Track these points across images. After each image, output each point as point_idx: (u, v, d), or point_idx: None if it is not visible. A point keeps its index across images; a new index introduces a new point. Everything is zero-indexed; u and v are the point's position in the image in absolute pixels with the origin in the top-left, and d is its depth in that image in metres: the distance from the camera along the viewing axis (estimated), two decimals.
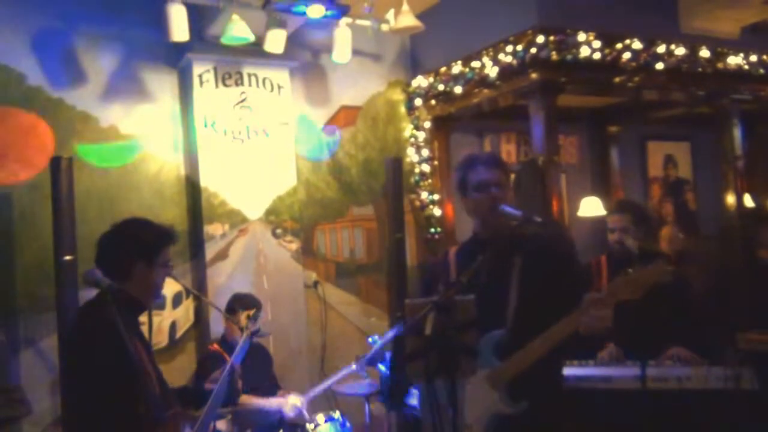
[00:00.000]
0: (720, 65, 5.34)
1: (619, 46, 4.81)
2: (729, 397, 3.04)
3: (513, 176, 3.32)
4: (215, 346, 4.15)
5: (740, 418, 3.01)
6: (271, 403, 3.95)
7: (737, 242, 5.32)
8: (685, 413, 3.10)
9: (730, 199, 5.68)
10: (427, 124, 5.71)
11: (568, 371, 3.11)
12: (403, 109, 5.81)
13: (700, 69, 5.23)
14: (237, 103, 4.87)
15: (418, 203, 5.74)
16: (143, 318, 2.59)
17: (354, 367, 3.98)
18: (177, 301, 4.78)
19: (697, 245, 6.09)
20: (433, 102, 5.61)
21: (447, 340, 2.02)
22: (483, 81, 4.99)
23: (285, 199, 5.03)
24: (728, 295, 3.96)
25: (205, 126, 4.75)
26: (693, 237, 6.42)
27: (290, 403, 3.94)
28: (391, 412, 3.96)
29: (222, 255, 4.77)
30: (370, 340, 4.20)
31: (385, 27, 4.91)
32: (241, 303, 4.09)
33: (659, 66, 5.00)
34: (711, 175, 6.57)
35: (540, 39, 4.52)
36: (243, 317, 3.86)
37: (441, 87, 5.40)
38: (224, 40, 4.45)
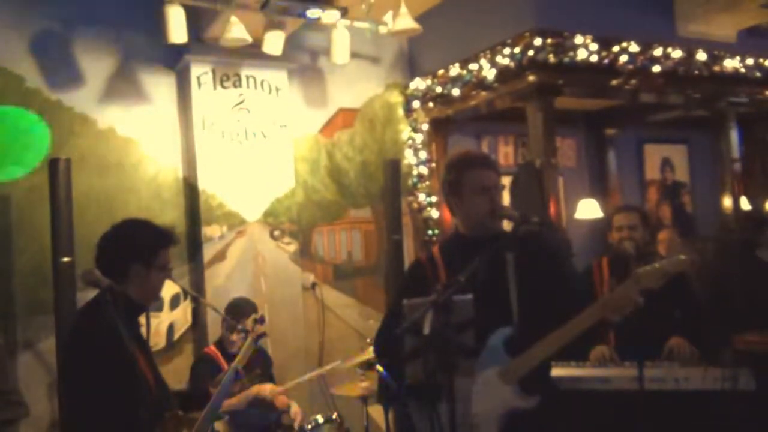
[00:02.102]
0: (717, 68, 5.36)
1: (616, 48, 4.82)
2: (726, 398, 3.04)
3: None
4: (212, 347, 4.13)
5: (738, 419, 3.01)
6: (248, 395, 3.75)
7: (735, 244, 5.32)
8: (682, 414, 3.10)
9: (727, 201, 5.70)
10: (425, 127, 5.72)
11: (566, 373, 3.13)
12: (400, 112, 5.81)
13: (696, 72, 5.24)
14: (235, 105, 4.88)
15: (416, 205, 5.75)
16: (142, 319, 2.59)
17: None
18: (175, 302, 4.77)
19: (695, 248, 6.09)
20: (430, 104, 5.62)
21: (445, 340, 2.02)
22: (480, 83, 5.00)
23: (283, 201, 5.03)
24: (726, 296, 3.96)
25: (203, 128, 4.76)
26: (691, 240, 6.43)
27: (266, 387, 3.83)
28: (388, 412, 3.94)
29: (220, 257, 4.77)
30: (368, 341, 4.18)
31: (383, 29, 4.91)
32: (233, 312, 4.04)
33: (656, 69, 5.02)
34: (708, 178, 6.59)
35: (537, 41, 4.53)
36: (249, 321, 3.82)
37: (439, 89, 5.40)
38: (222, 42, 4.45)
